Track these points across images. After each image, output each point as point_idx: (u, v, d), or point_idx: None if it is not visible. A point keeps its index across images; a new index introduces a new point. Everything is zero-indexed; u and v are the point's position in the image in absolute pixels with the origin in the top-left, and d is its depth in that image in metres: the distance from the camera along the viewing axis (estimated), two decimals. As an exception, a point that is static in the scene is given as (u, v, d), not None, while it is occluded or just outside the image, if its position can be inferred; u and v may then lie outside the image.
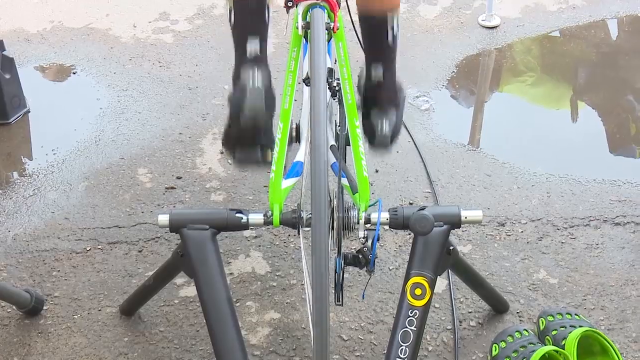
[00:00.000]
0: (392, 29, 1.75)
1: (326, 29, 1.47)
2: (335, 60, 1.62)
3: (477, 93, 2.49)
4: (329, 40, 1.60)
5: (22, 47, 2.62)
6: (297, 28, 1.53)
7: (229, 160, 2.12)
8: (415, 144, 2.20)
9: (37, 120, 2.33)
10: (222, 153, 2.17)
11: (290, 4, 1.54)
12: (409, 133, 2.24)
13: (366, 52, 1.81)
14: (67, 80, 2.50)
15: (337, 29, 1.53)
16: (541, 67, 2.59)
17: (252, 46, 1.60)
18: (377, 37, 1.77)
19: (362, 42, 1.80)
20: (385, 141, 1.76)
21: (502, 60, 2.60)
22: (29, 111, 2.35)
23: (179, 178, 2.09)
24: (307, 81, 1.65)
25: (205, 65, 2.54)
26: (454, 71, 2.51)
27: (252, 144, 1.60)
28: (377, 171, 2.11)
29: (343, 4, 1.74)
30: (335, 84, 1.56)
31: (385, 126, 1.76)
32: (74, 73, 2.52)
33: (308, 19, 1.50)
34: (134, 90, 2.44)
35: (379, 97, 1.78)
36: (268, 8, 1.65)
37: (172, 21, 2.74)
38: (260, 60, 1.61)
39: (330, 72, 1.50)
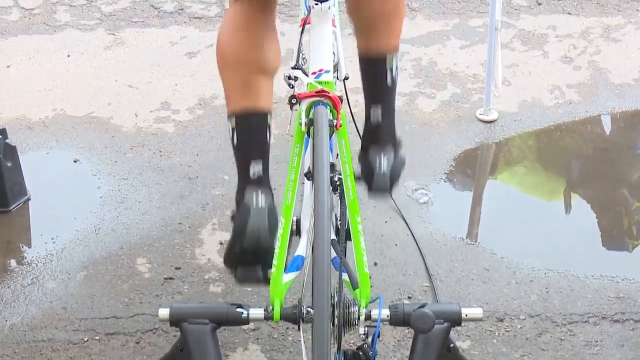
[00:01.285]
0: (391, 70, 1.80)
1: (329, 126, 1.53)
2: (337, 155, 1.67)
3: (475, 187, 2.54)
4: (330, 136, 1.65)
5: (25, 135, 2.68)
6: (301, 125, 1.58)
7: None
8: (413, 236, 2.24)
9: (37, 208, 2.37)
10: (221, 244, 2.21)
11: (294, 101, 1.60)
12: (408, 225, 2.28)
13: (365, 94, 1.84)
14: (68, 169, 2.55)
15: (340, 126, 1.58)
16: (538, 162, 2.65)
17: (255, 169, 1.66)
18: (376, 80, 1.81)
19: (362, 86, 1.84)
20: (384, 181, 1.76)
21: (500, 154, 2.66)
22: (30, 199, 2.39)
23: (177, 268, 2.12)
24: (308, 175, 1.70)
25: (206, 155, 2.59)
26: (452, 164, 2.56)
27: (254, 263, 1.63)
28: (375, 264, 2.14)
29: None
30: (336, 179, 1.61)
31: (383, 163, 1.77)
32: (75, 161, 2.57)
33: (311, 116, 1.56)
34: (134, 179, 2.48)
35: (378, 136, 1.80)
36: (269, 127, 1.71)
37: (174, 111, 2.81)
38: (263, 181, 1.66)
39: (332, 167, 1.55)
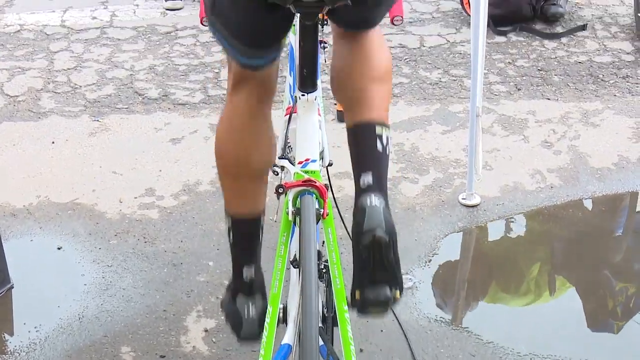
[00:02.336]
0: (381, 138, 1.80)
1: (316, 215, 1.58)
2: (323, 242, 1.72)
3: (459, 271, 2.58)
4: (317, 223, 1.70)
5: (8, 222, 2.71)
6: (288, 214, 1.63)
7: (214, 339, 2.17)
8: (399, 322, 2.27)
9: (20, 295, 2.38)
10: (206, 331, 2.23)
11: (281, 190, 1.66)
12: (393, 311, 2.31)
13: (354, 166, 1.79)
14: (52, 256, 2.57)
15: (327, 215, 1.64)
16: (521, 246, 2.71)
17: (248, 273, 1.76)
18: (365, 147, 1.75)
19: (351, 161, 1.81)
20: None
21: (483, 239, 2.72)
22: (13, 286, 2.41)
23: (162, 357, 2.13)
24: (295, 263, 1.75)
25: (190, 242, 2.63)
26: (436, 249, 2.61)
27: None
28: (361, 350, 2.16)
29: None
30: (322, 267, 1.65)
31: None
32: (59, 248, 2.60)
33: (298, 205, 1.61)
34: (118, 266, 2.51)
35: (368, 191, 1.73)
36: (262, 226, 1.78)
37: (158, 197, 2.85)
38: (255, 286, 1.74)
39: (318, 254, 1.60)
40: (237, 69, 1.85)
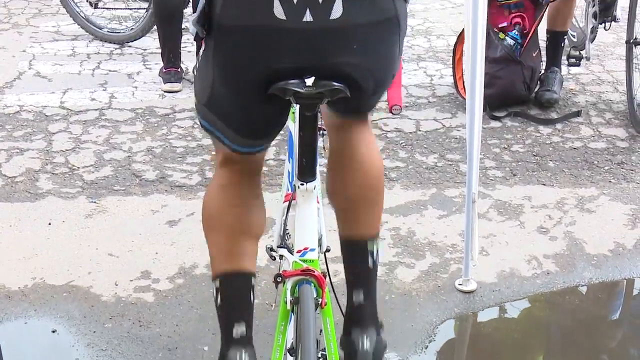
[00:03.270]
0: (372, 254, 1.90)
1: (314, 304, 1.62)
2: (321, 331, 1.75)
3: (455, 358, 2.60)
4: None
5: (3, 304, 2.73)
6: (286, 302, 1.67)
7: None
8: (396, 411, 2.28)
9: (13, 380, 2.39)
10: (201, 418, 2.23)
11: (279, 279, 1.70)
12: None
13: (347, 277, 1.93)
14: (46, 339, 2.59)
15: (325, 305, 1.67)
16: (518, 333, 2.73)
17: (239, 329, 1.76)
18: (358, 264, 1.92)
19: (344, 268, 1.93)
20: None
21: (479, 325, 2.74)
22: (6, 371, 2.41)
23: None
24: (292, 352, 1.77)
25: (186, 325, 2.65)
26: (432, 336, 2.63)
27: None
28: None
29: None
30: (320, 355, 1.68)
31: (366, 343, 1.84)
32: (54, 332, 2.62)
33: (296, 294, 1.65)
34: (113, 350, 2.52)
35: (360, 317, 1.88)
36: (253, 288, 1.80)
37: (154, 280, 2.88)
38: (247, 341, 1.75)
39: (317, 344, 1.63)
40: (226, 151, 1.91)
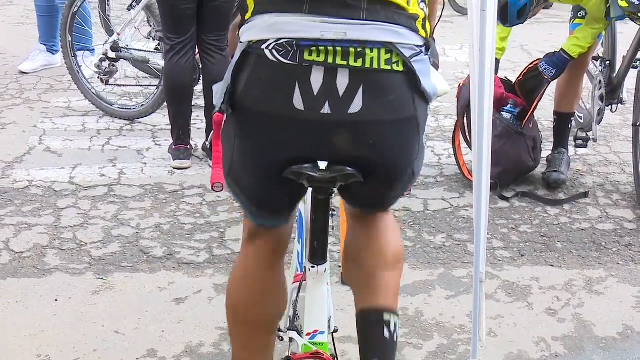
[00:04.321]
0: (389, 325, 1.89)
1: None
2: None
3: None
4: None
5: (8, 381, 2.74)
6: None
7: None
8: None
9: None
10: None
11: (287, 364, 1.73)
12: None
13: (361, 350, 1.91)
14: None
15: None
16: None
17: None
18: (373, 335, 1.91)
19: (359, 346, 1.93)
20: None
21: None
22: None
23: None
24: None
25: (191, 406, 2.65)
26: (440, 419, 2.63)
27: None
28: None
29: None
30: None
31: None
32: (58, 410, 2.62)
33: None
34: None
35: None
36: None
37: (160, 358, 2.90)
38: None
39: None
40: (252, 224, 1.96)
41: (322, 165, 1.70)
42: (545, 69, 4.15)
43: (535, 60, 4.33)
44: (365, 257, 1.94)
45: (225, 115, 1.93)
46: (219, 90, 1.91)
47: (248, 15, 1.89)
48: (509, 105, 4.30)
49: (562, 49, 4.12)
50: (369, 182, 1.80)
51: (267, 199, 1.92)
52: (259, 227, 1.97)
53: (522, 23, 3.93)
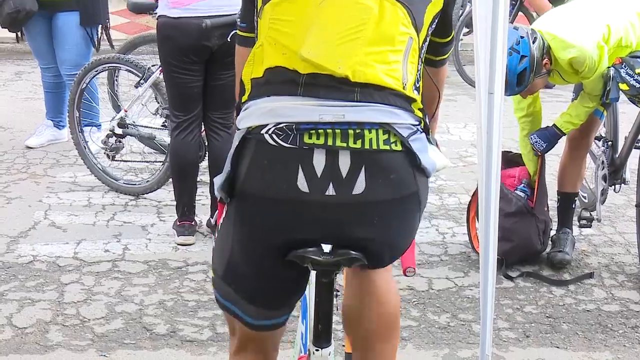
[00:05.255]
0: None
1: None
2: None
3: None
4: None
5: None
6: None
7: None
8: None
9: None
10: None
11: None
12: None
13: None
14: None
15: None
16: None
17: None
18: None
19: None
20: None
21: None
22: None
23: None
24: None
25: None
26: None
27: None
28: None
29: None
30: None
31: None
32: None
33: None
34: None
35: None
36: None
37: None
38: None
39: None
40: (244, 331, 1.98)
41: (327, 248, 1.74)
42: (535, 142, 4.21)
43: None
44: (364, 314, 1.96)
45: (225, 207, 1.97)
46: (219, 182, 1.95)
47: (245, 98, 1.95)
48: (522, 185, 4.36)
49: (554, 124, 4.19)
50: (369, 265, 1.84)
51: (270, 290, 1.94)
52: (251, 331, 1.99)
53: (523, 90, 3.96)
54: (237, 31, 2.18)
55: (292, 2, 1.93)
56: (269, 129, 1.84)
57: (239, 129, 1.92)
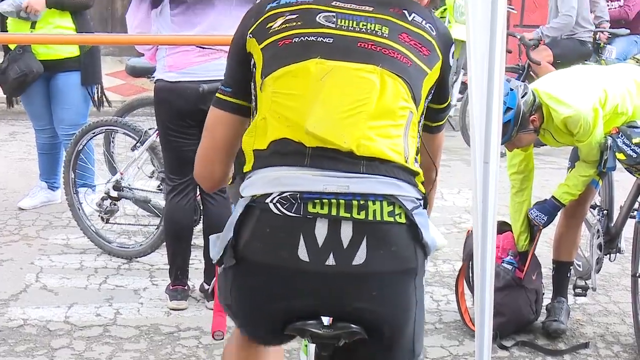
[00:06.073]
0: None
1: None
2: None
3: None
4: None
5: None
6: None
7: None
8: None
9: None
10: None
11: None
12: None
13: None
14: None
15: None
16: None
17: None
18: None
19: None
20: None
21: None
22: None
23: None
24: None
25: None
26: None
27: None
28: None
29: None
30: None
31: None
32: None
33: None
34: None
35: None
36: None
37: None
38: None
39: None
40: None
41: (326, 321, 1.74)
42: (536, 216, 4.21)
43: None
44: None
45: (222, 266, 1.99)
46: (217, 243, 1.96)
47: (248, 168, 1.97)
48: (509, 257, 4.35)
49: (552, 196, 4.20)
50: (370, 341, 1.83)
51: (269, 342, 1.98)
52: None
53: (504, 142, 3.96)
54: (218, 94, 2.19)
55: (294, 76, 1.96)
56: (274, 197, 1.87)
57: (242, 197, 1.94)
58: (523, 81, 8.08)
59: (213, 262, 2.04)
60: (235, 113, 2.14)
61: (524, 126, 3.90)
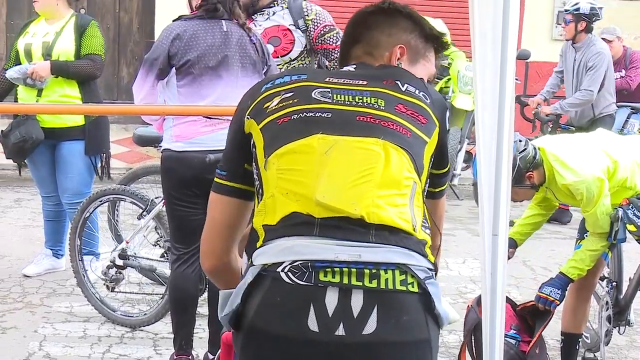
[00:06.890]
0: None
1: None
2: None
3: None
4: None
5: None
6: None
7: None
8: None
9: None
10: None
11: None
12: None
13: None
14: None
15: None
16: None
17: None
18: None
19: None
20: None
21: None
22: None
23: None
24: None
25: None
26: None
27: None
28: None
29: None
30: None
31: None
32: None
33: None
34: None
35: None
36: None
37: None
38: None
39: None
40: None
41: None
42: (551, 292, 4.14)
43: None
44: None
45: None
46: (225, 305, 1.96)
47: (259, 243, 1.98)
48: (512, 330, 4.31)
49: (560, 272, 4.18)
50: None
51: None
52: None
53: None
54: (216, 178, 2.21)
55: (298, 152, 2.00)
56: (285, 266, 1.88)
57: (254, 265, 1.94)
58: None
59: (223, 328, 2.04)
60: (232, 196, 2.17)
61: (518, 181, 3.92)
